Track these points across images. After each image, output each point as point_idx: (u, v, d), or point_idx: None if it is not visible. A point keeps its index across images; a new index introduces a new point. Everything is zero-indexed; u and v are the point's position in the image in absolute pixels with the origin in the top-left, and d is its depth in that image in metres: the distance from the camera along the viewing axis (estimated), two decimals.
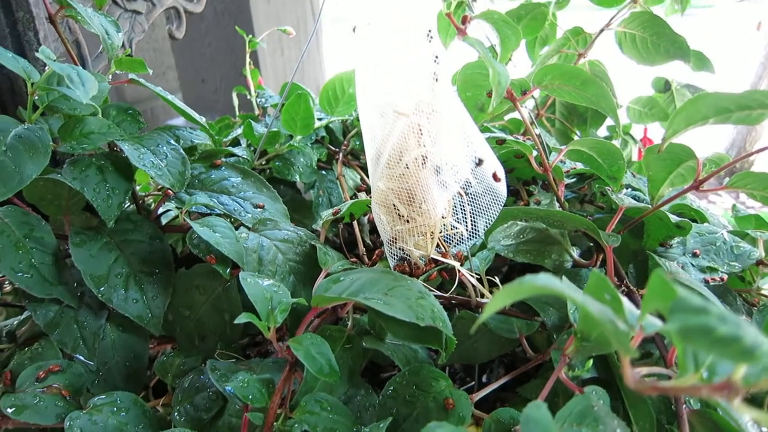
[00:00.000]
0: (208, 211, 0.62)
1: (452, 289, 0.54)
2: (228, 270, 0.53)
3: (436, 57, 0.44)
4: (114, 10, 1.01)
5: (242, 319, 0.40)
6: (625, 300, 0.33)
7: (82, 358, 0.56)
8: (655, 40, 1.05)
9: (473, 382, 0.75)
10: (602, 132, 1.21)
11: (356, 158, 0.91)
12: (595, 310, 0.24)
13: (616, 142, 1.24)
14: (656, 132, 1.27)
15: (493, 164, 0.50)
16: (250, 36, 1.02)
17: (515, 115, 1.05)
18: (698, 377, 0.24)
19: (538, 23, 0.92)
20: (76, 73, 0.48)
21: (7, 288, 0.77)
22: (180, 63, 1.88)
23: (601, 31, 1.08)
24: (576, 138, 1.13)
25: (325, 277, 0.53)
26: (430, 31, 0.44)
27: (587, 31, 1.11)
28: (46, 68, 0.55)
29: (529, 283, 0.24)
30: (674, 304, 0.21)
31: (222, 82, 1.85)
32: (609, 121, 1.18)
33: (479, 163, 0.49)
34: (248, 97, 1.00)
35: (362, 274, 0.47)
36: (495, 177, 0.50)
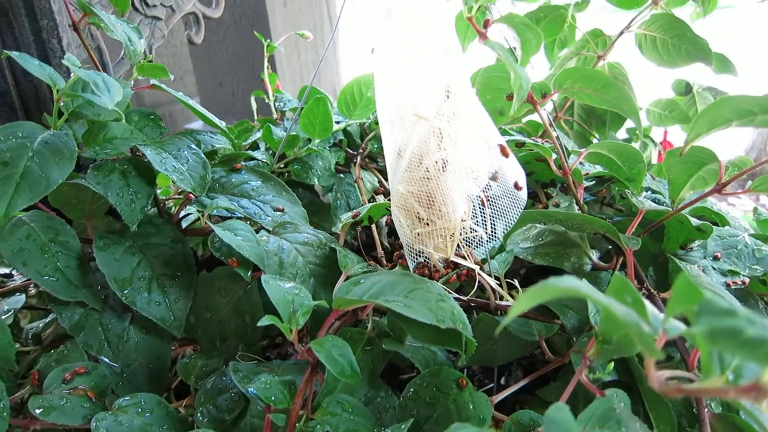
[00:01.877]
0: (229, 215, 0.62)
1: (472, 292, 0.54)
2: (249, 273, 0.54)
3: (455, 61, 0.45)
4: (134, 17, 1.02)
5: (265, 321, 0.41)
6: (647, 303, 0.33)
7: (106, 360, 0.57)
8: (676, 42, 1.04)
9: (492, 384, 0.75)
10: (621, 135, 1.21)
11: (374, 161, 0.91)
12: (619, 312, 0.24)
13: (636, 145, 1.23)
14: (676, 135, 1.26)
15: (515, 172, 0.50)
16: (268, 41, 1.03)
17: (533, 117, 1.05)
18: (724, 380, 0.24)
19: (557, 25, 0.91)
20: (102, 79, 0.49)
21: (32, 291, 0.78)
22: (198, 67, 1.90)
23: (621, 33, 1.07)
24: (595, 140, 1.12)
25: (345, 280, 0.53)
26: (447, 37, 0.44)
27: (607, 33, 1.10)
28: (71, 75, 0.56)
29: (553, 285, 0.24)
30: (702, 306, 0.21)
31: (239, 86, 1.87)
32: (628, 124, 1.18)
33: (494, 177, 0.50)
34: (266, 100, 1.01)
35: (382, 277, 0.48)
36: (516, 186, 0.50)
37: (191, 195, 0.61)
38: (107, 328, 0.57)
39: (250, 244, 0.53)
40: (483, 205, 0.51)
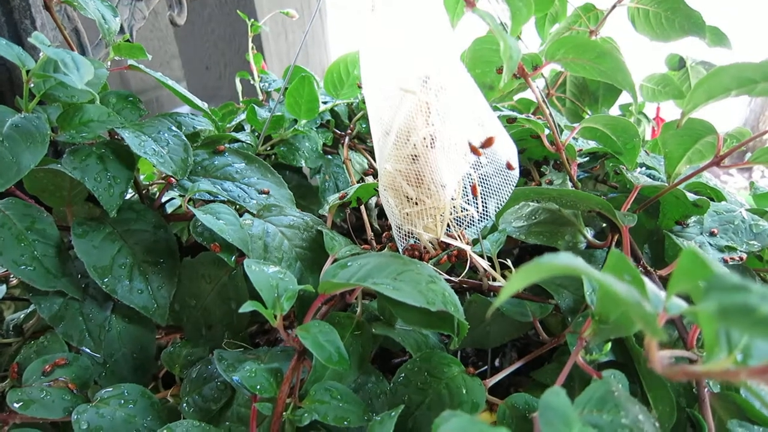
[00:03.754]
0: (212, 198, 0.60)
1: (463, 273, 0.52)
2: (233, 258, 0.52)
3: (443, 33, 0.43)
4: None
5: (248, 307, 0.39)
6: (646, 280, 0.31)
7: (88, 350, 0.55)
8: (670, 15, 1.02)
9: (486, 366, 0.74)
10: (614, 111, 1.19)
11: (362, 142, 0.89)
12: (620, 290, 0.22)
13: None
14: (669, 111, 1.24)
15: (507, 149, 0.48)
16: (252, 20, 1.00)
17: (524, 95, 1.03)
18: (732, 360, 0.22)
19: (548, 0, 0.89)
20: (71, 57, 0.47)
21: (14, 282, 0.76)
22: (183, 50, 1.87)
23: (613, 7, 1.05)
24: (587, 117, 1.10)
25: (332, 263, 0.51)
26: (435, 9, 0.42)
27: (599, 7, 1.08)
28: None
29: (547, 263, 0.23)
30: (711, 281, 0.19)
31: (226, 68, 1.83)
32: (621, 100, 1.16)
33: (485, 154, 0.47)
34: (252, 82, 0.98)
35: (370, 259, 0.46)
36: (509, 166, 0.48)
37: (172, 179, 0.59)
38: (88, 318, 0.56)
39: (234, 228, 0.51)
40: (474, 185, 0.49)
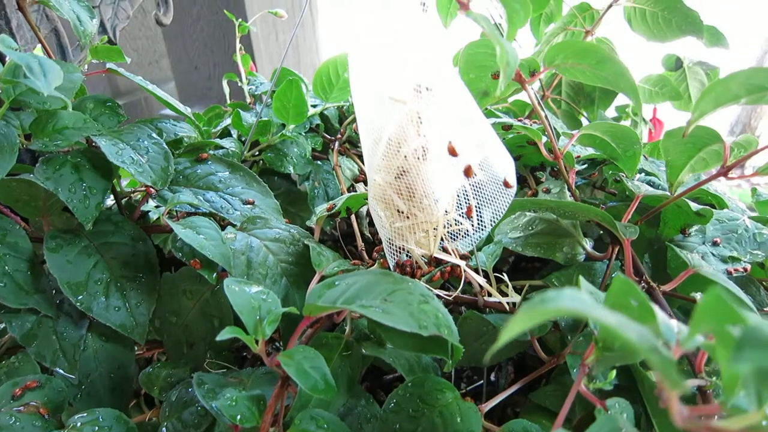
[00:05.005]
0: (194, 210, 0.58)
1: (458, 290, 0.50)
2: (214, 275, 0.49)
3: (436, 35, 0.40)
4: None
5: (226, 334, 0.36)
6: (657, 310, 0.29)
7: (61, 371, 0.52)
8: (667, 15, 1.00)
9: (482, 381, 0.71)
10: (610, 113, 1.17)
11: (353, 146, 0.87)
12: (633, 336, 0.20)
13: (626, 123, 1.19)
14: (666, 112, 1.22)
15: (503, 163, 0.45)
16: (240, 20, 0.97)
17: (519, 96, 1.00)
18: (761, 416, 0.20)
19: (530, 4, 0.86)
20: (38, 62, 0.44)
21: None
22: (172, 50, 1.83)
23: (610, 6, 1.02)
24: (583, 119, 1.08)
25: (319, 281, 0.49)
26: (424, 3, 0.39)
27: (595, 7, 1.06)
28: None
29: (554, 307, 0.20)
30: (746, 336, 0.17)
31: (216, 68, 1.80)
32: (617, 102, 1.14)
33: (480, 167, 0.45)
34: (239, 84, 0.95)
35: (359, 278, 0.43)
36: (506, 184, 0.45)
37: (152, 189, 0.56)
38: (62, 337, 0.53)
39: (214, 243, 0.48)
40: (470, 206, 0.46)
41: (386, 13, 0.43)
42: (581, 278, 0.38)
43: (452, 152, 0.42)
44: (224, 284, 0.41)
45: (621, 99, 1.12)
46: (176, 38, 1.84)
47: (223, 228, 0.54)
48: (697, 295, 0.46)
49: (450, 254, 0.48)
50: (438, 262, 0.48)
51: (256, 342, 0.39)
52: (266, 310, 0.41)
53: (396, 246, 0.48)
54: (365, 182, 0.78)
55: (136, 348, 0.58)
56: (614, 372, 0.37)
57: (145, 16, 1.96)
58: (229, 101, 1.00)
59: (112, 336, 0.54)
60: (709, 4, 0.95)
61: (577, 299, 0.21)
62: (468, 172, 0.42)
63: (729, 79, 0.39)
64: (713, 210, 0.61)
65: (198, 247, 0.47)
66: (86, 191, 0.53)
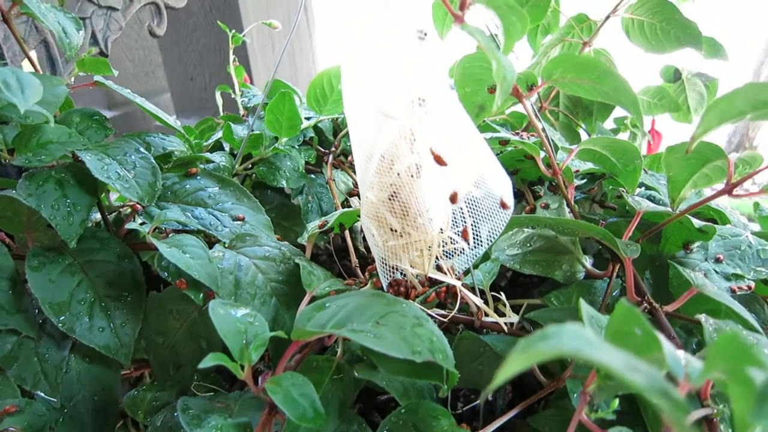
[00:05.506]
0: (182, 227, 0.56)
1: (454, 311, 0.48)
2: (201, 295, 0.48)
3: (425, 34, 0.39)
4: (86, 7, 0.94)
5: (208, 361, 0.34)
6: (663, 340, 0.27)
7: (43, 394, 0.50)
8: (665, 26, 0.99)
9: (478, 401, 0.69)
10: (608, 124, 1.15)
11: (348, 159, 0.85)
12: (642, 381, 0.18)
13: (625, 135, 1.18)
14: (664, 123, 1.21)
15: (500, 181, 0.43)
16: (234, 31, 0.95)
17: (517, 107, 0.99)
18: None
19: (540, 10, 0.85)
20: (15, 77, 0.42)
21: None
22: (167, 60, 1.82)
23: (607, 17, 1.02)
24: (581, 131, 1.07)
25: (309, 301, 0.47)
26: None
27: (592, 18, 1.05)
28: None
29: (553, 347, 0.19)
30: (765, 391, 0.15)
31: (212, 80, 1.79)
32: (615, 114, 1.12)
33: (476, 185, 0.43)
34: (233, 95, 0.94)
35: (350, 299, 0.41)
36: (503, 205, 0.44)
37: (138, 205, 0.55)
38: (44, 359, 0.51)
39: (201, 262, 0.47)
40: (465, 228, 0.45)
41: (381, 26, 0.42)
42: (582, 303, 0.36)
43: (439, 161, 0.40)
44: (209, 307, 0.39)
45: (619, 110, 1.11)
46: (172, 49, 1.83)
47: (211, 245, 0.53)
48: (702, 317, 0.44)
49: (445, 273, 0.46)
50: (433, 282, 0.47)
51: (242, 368, 0.37)
52: (253, 334, 0.39)
53: (389, 265, 0.46)
54: (360, 196, 0.77)
55: (124, 367, 0.56)
56: (617, 401, 0.35)
57: (141, 27, 1.95)
58: (222, 113, 0.98)
59: (96, 357, 0.52)
60: (704, 14, 0.94)
61: (579, 338, 0.19)
62: (453, 198, 0.41)
63: (734, 95, 0.38)
64: (715, 226, 0.59)
65: (184, 267, 0.45)
66: (70, 208, 0.52)
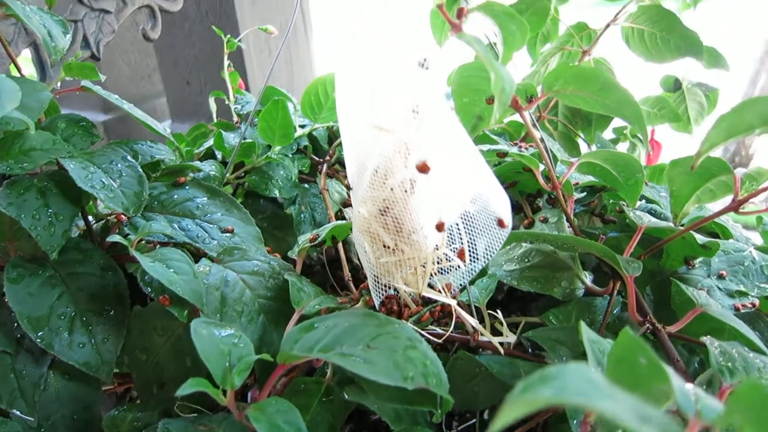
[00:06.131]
0: (168, 240, 0.54)
1: (449, 331, 0.46)
2: (185, 312, 0.46)
3: (426, 61, 0.37)
4: (78, 9, 0.92)
5: (188, 388, 0.32)
6: (671, 373, 0.25)
7: (19, 413, 0.48)
8: (665, 35, 0.98)
9: (474, 420, 0.67)
10: (607, 134, 1.14)
11: (343, 168, 0.83)
12: None
13: (624, 146, 1.16)
14: (664, 133, 1.20)
15: (498, 199, 0.42)
16: (229, 36, 0.94)
17: (515, 116, 0.98)
18: None
19: (540, 19, 0.84)
20: None
21: None
22: (163, 64, 1.80)
23: (607, 26, 1.00)
24: (580, 141, 1.05)
25: (298, 320, 0.45)
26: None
27: (592, 27, 1.03)
28: None
29: (551, 395, 0.17)
30: None
31: (207, 84, 1.77)
32: (614, 123, 1.11)
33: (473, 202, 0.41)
34: (226, 102, 0.92)
35: (340, 320, 0.40)
36: (500, 223, 0.42)
37: (123, 216, 0.53)
38: (21, 375, 0.49)
39: (186, 278, 0.45)
40: (461, 249, 0.43)
41: (378, 37, 0.40)
42: (583, 328, 0.34)
43: (423, 170, 0.38)
44: (192, 327, 0.37)
45: (619, 120, 1.09)
46: (168, 53, 1.82)
47: (198, 258, 0.51)
48: (706, 340, 0.42)
49: (440, 292, 0.44)
50: (427, 301, 0.45)
51: (224, 393, 0.35)
52: (237, 357, 0.37)
53: (382, 283, 0.44)
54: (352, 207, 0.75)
55: (107, 383, 0.54)
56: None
57: (137, 30, 1.94)
58: (216, 119, 0.96)
59: (77, 374, 0.50)
60: (700, 23, 0.93)
61: (584, 381, 0.18)
62: (440, 228, 0.39)
63: (743, 108, 0.36)
64: (718, 241, 0.58)
65: (167, 283, 0.43)
66: (52, 218, 0.50)
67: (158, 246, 0.53)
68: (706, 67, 1.05)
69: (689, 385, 0.27)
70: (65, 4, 0.89)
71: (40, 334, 0.47)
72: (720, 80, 1.20)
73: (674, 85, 1.17)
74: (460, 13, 0.35)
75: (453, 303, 0.44)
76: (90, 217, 0.63)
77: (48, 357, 0.50)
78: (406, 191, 0.39)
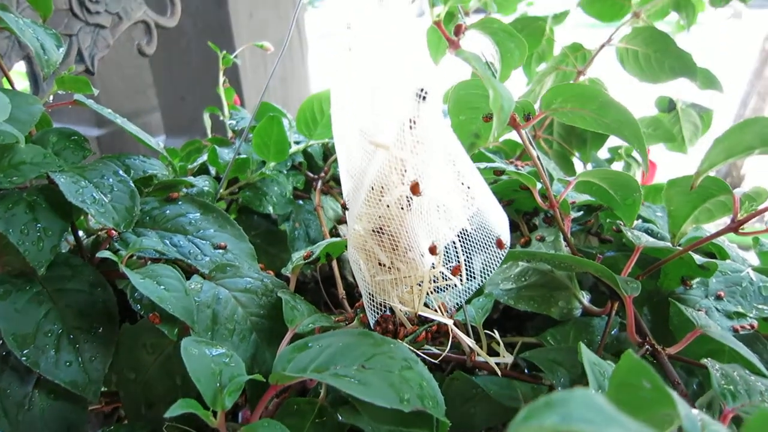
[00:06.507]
0: (159, 256, 0.53)
1: (446, 351, 0.45)
2: (176, 330, 0.44)
3: (423, 85, 0.36)
4: (73, 24, 0.92)
5: (177, 410, 0.31)
6: (677, 398, 0.25)
7: None
8: (659, 56, 0.99)
9: None
10: (602, 154, 1.14)
11: (338, 184, 0.83)
12: None
13: (619, 165, 1.17)
14: (659, 153, 1.20)
15: (497, 223, 0.41)
16: (224, 52, 0.94)
17: (510, 135, 0.98)
18: None
19: (535, 38, 0.84)
20: None
21: None
22: (159, 80, 1.80)
23: (602, 47, 1.01)
24: (575, 160, 1.05)
25: (291, 338, 0.44)
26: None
27: (587, 47, 1.04)
28: None
29: (558, 420, 0.16)
30: None
31: (203, 100, 1.76)
32: (610, 143, 1.11)
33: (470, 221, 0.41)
34: (221, 117, 0.91)
35: (334, 339, 0.39)
36: (499, 244, 0.41)
37: (113, 231, 0.52)
38: (5, 394, 0.47)
39: (177, 294, 0.44)
40: (457, 266, 0.42)
41: (377, 37, 0.40)
42: (583, 350, 0.34)
43: (415, 191, 0.38)
44: (182, 346, 0.36)
45: (613, 140, 1.10)
46: (163, 69, 1.82)
47: (190, 275, 0.50)
48: (708, 363, 0.42)
49: (436, 311, 0.44)
50: (423, 320, 0.44)
51: (215, 414, 0.34)
52: (228, 377, 0.36)
53: (377, 301, 0.44)
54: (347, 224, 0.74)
55: (93, 403, 0.53)
56: None
57: (133, 45, 1.94)
58: (210, 135, 0.96)
59: (63, 393, 0.49)
60: (692, 46, 0.94)
61: (590, 411, 0.17)
62: (433, 251, 0.39)
63: (742, 128, 0.36)
64: (716, 262, 0.57)
65: (157, 300, 0.42)
66: (41, 233, 0.49)
67: (149, 262, 0.53)
68: (700, 88, 1.05)
69: (695, 411, 0.26)
70: (60, 18, 0.89)
71: (25, 351, 0.46)
72: (711, 101, 1.21)
73: (669, 106, 1.18)
74: (458, 30, 0.34)
75: (449, 323, 0.43)
76: (80, 233, 0.62)
77: (33, 375, 0.49)
78: (402, 208, 0.38)
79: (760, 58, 3.17)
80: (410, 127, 0.34)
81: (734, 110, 3.22)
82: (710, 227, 0.70)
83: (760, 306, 0.59)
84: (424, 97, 0.34)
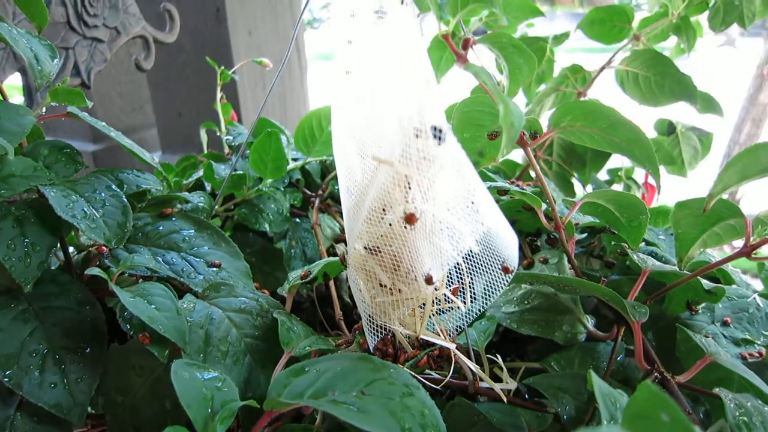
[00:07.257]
0: (151, 274, 0.51)
1: (448, 377, 0.44)
2: (166, 352, 0.43)
3: (430, 91, 0.35)
4: (70, 37, 0.91)
5: None
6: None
7: None
8: (659, 79, 0.98)
9: None
10: (602, 176, 1.13)
11: (336, 202, 0.81)
12: None
13: (617, 187, 1.16)
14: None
15: (506, 245, 0.40)
16: (222, 68, 0.93)
17: (510, 155, 0.97)
18: None
19: (536, 59, 0.83)
20: None
21: None
22: (155, 95, 1.79)
23: (602, 69, 1.01)
24: (574, 181, 1.05)
25: (287, 362, 0.42)
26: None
27: (587, 69, 1.04)
28: None
29: None
30: None
31: (200, 117, 1.76)
32: (609, 164, 1.11)
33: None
34: (218, 133, 0.90)
35: (332, 363, 0.37)
36: (505, 270, 0.40)
37: (104, 247, 0.50)
38: None
39: (168, 314, 0.42)
40: (455, 287, 0.41)
41: (375, 60, 0.39)
42: (594, 379, 0.32)
43: (410, 221, 0.36)
44: (172, 369, 0.35)
45: (613, 162, 1.09)
46: (161, 84, 1.81)
47: (183, 294, 0.48)
48: (720, 393, 0.40)
49: (438, 335, 0.42)
50: (424, 344, 0.42)
51: None
52: (220, 402, 0.34)
53: (377, 324, 0.42)
54: (346, 243, 0.73)
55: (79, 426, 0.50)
56: None
57: (130, 60, 1.93)
58: (206, 151, 0.95)
59: (46, 416, 0.47)
60: (687, 69, 0.93)
61: None
62: (429, 281, 0.37)
63: (758, 150, 0.34)
64: (723, 287, 0.56)
65: (148, 320, 0.41)
66: (28, 248, 0.47)
67: (141, 280, 0.51)
68: (700, 112, 1.05)
69: None
70: (57, 31, 0.88)
71: (8, 372, 0.44)
72: (706, 126, 1.20)
73: (668, 129, 1.18)
74: (466, 44, 0.33)
75: (452, 347, 0.41)
76: (71, 248, 0.60)
77: (16, 397, 0.47)
78: (405, 227, 0.36)
79: (754, 84, 3.20)
80: (416, 130, 0.33)
81: (728, 135, 3.24)
82: (713, 251, 0.69)
83: (767, 332, 0.58)
84: (429, 113, 0.33)
